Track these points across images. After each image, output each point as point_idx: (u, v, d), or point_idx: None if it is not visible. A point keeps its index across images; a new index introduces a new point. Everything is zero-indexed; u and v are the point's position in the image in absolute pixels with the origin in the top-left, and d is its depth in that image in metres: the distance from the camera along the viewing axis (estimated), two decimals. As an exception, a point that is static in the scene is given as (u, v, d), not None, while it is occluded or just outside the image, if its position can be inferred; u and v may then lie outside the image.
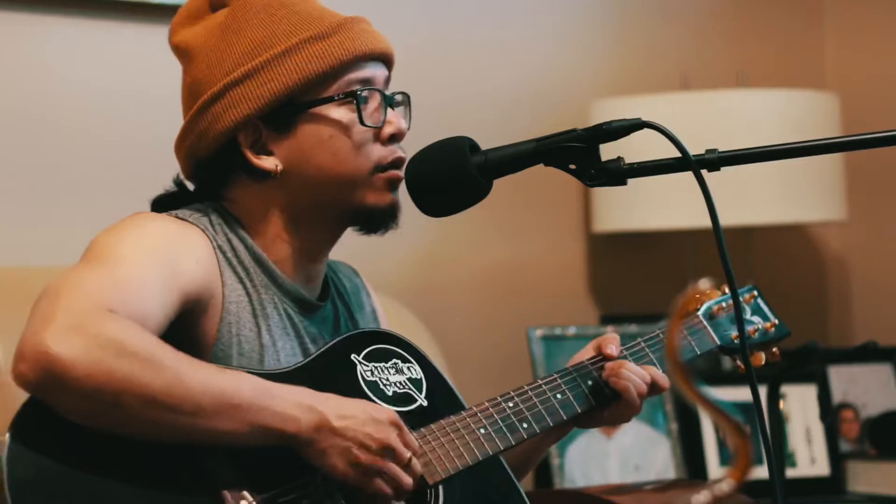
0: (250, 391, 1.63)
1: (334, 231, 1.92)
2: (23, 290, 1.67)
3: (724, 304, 2.08)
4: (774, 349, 2.12)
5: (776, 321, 2.12)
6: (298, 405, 1.65)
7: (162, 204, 1.94)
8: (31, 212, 2.65)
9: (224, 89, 1.84)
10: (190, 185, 1.95)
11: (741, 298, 2.10)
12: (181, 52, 1.91)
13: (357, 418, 1.68)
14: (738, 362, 2.09)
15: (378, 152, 1.87)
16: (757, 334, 2.10)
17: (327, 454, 1.66)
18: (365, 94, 1.86)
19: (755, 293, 2.15)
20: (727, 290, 2.07)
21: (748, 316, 2.11)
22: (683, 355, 1.89)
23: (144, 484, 1.61)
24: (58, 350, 1.54)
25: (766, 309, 2.14)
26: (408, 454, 1.70)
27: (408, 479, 1.70)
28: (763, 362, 2.09)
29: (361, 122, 1.85)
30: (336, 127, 1.85)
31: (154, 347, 1.60)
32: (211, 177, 1.90)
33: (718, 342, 2.06)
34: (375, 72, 1.89)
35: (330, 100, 1.85)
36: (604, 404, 1.94)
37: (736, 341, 2.05)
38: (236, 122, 1.84)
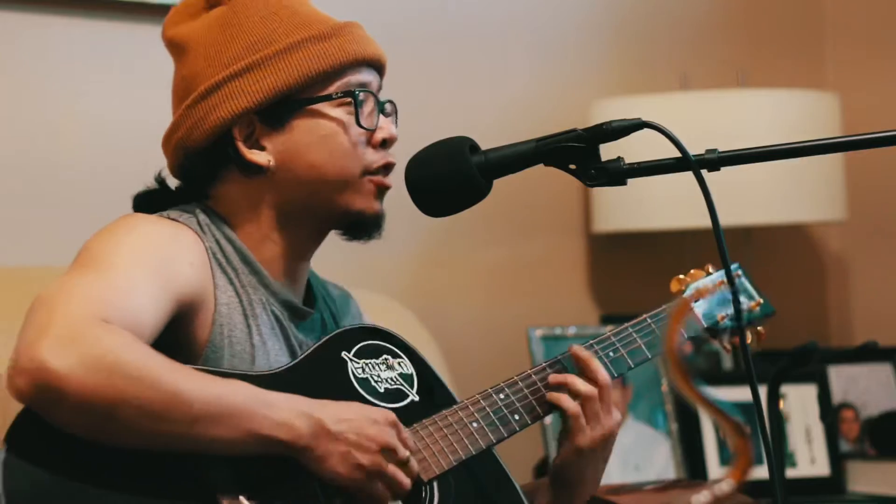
0: (245, 399, 1.63)
1: (320, 231, 1.92)
2: (23, 290, 1.66)
3: (709, 285, 2.06)
4: (760, 328, 2.10)
5: (761, 300, 2.11)
6: (295, 412, 1.64)
7: (142, 201, 1.93)
8: (31, 212, 2.65)
9: (223, 81, 1.84)
10: (172, 183, 1.94)
11: (724, 278, 2.08)
12: (175, 45, 1.91)
13: (354, 421, 1.67)
14: (725, 344, 2.08)
15: (369, 156, 1.87)
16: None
17: (326, 459, 1.65)
18: (362, 96, 1.87)
19: (739, 272, 2.13)
20: (711, 270, 2.08)
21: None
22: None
23: (140, 492, 1.61)
24: (54, 364, 1.53)
25: (750, 288, 2.12)
26: (406, 453, 1.70)
27: (406, 480, 1.70)
28: (748, 342, 2.05)
29: (358, 123, 1.86)
30: (333, 125, 1.86)
31: (149, 359, 1.59)
32: (201, 170, 1.89)
33: (704, 324, 2.04)
34: (371, 78, 1.90)
35: (328, 98, 1.86)
36: None
37: (722, 323, 2.04)
38: (233, 114, 1.83)
